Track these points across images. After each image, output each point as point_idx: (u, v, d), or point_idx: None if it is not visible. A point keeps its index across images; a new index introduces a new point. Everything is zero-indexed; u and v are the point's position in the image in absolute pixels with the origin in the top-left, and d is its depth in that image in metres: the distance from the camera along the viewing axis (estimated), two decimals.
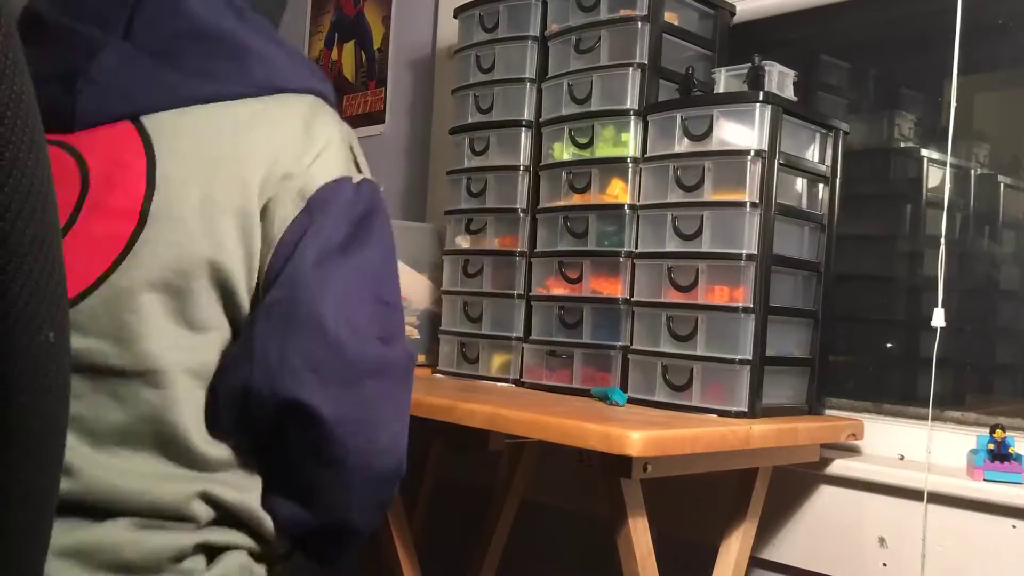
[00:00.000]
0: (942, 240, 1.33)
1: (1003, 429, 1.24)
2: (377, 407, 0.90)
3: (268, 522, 0.89)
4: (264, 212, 0.87)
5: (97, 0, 0.92)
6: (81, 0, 0.92)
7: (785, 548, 1.48)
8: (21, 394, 0.49)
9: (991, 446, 1.25)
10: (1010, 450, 1.24)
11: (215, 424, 0.85)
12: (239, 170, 0.86)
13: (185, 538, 0.83)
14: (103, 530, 0.80)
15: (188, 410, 0.83)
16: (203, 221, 0.84)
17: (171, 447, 0.83)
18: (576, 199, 1.48)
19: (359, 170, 0.96)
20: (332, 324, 0.85)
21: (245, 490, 0.87)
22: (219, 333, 0.86)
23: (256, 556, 0.90)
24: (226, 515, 0.86)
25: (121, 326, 0.81)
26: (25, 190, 0.46)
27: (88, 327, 0.81)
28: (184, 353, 0.83)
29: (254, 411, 0.85)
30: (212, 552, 0.86)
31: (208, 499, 0.84)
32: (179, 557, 0.82)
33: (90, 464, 0.80)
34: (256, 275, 0.86)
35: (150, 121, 0.86)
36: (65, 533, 0.78)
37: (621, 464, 1.09)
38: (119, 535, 0.80)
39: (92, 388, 0.81)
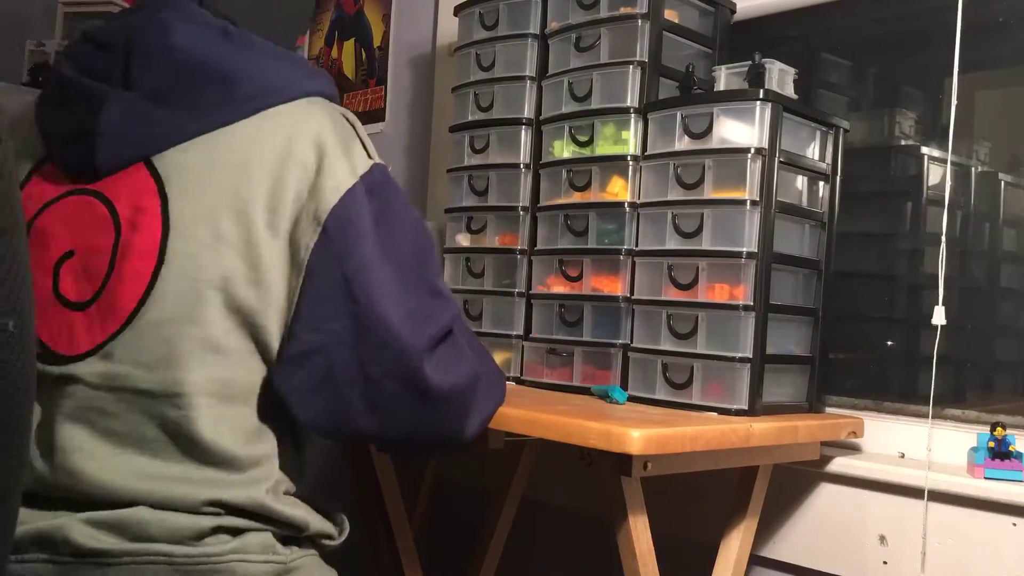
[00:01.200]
0: (942, 238, 1.32)
1: (1004, 427, 1.24)
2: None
3: (284, 512, 0.96)
4: (290, 237, 0.94)
5: (98, 54, 0.99)
6: (87, 55, 1.00)
7: (785, 546, 1.48)
8: None
9: (992, 444, 1.25)
10: (1011, 448, 1.24)
11: (249, 429, 0.95)
12: (238, 204, 0.93)
13: (204, 521, 0.91)
14: (124, 512, 0.89)
15: (207, 423, 0.91)
16: (213, 255, 0.92)
17: (189, 455, 0.92)
18: (576, 197, 1.48)
19: (368, 155, 1.00)
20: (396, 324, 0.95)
21: (257, 486, 0.94)
22: (240, 353, 0.93)
23: (280, 539, 0.96)
24: (235, 510, 0.93)
25: (153, 355, 0.91)
26: None
27: (123, 355, 0.92)
28: (206, 375, 0.92)
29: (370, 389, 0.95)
30: (233, 532, 0.93)
31: (216, 504, 0.92)
32: (199, 535, 0.90)
33: (107, 466, 0.91)
34: (289, 296, 0.94)
35: (160, 161, 0.95)
36: (88, 514, 0.89)
37: (621, 462, 1.09)
38: (141, 514, 0.89)
39: (127, 408, 0.91)
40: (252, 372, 0.95)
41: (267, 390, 0.96)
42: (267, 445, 0.97)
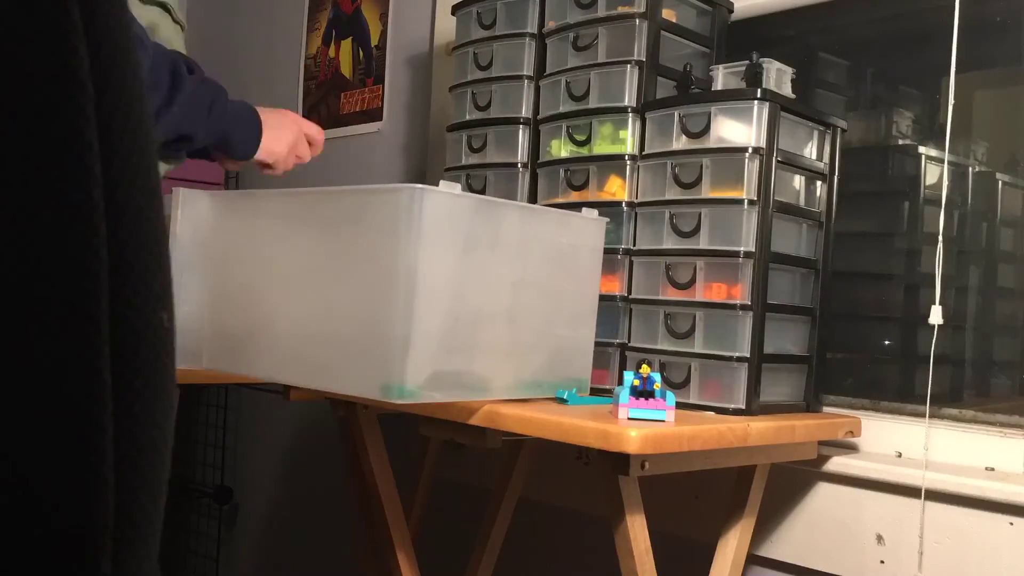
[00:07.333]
0: (940, 237, 1.33)
1: (649, 365, 1.15)
2: None
3: None
4: None
5: None
6: None
7: (783, 545, 1.48)
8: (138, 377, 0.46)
9: (636, 383, 1.15)
10: (655, 386, 1.15)
11: None
12: None
13: None
14: None
15: None
16: None
17: None
18: (574, 196, 1.48)
19: None
20: None
21: None
22: None
23: None
24: None
25: None
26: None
27: None
28: None
29: None
30: None
31: None
32: None
33: None
34: None
35: None
36: None
37: (619, 461, 1.09)
38: None
39: None
40: None
41: None
42: None
